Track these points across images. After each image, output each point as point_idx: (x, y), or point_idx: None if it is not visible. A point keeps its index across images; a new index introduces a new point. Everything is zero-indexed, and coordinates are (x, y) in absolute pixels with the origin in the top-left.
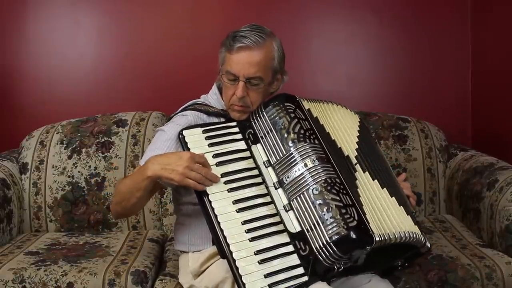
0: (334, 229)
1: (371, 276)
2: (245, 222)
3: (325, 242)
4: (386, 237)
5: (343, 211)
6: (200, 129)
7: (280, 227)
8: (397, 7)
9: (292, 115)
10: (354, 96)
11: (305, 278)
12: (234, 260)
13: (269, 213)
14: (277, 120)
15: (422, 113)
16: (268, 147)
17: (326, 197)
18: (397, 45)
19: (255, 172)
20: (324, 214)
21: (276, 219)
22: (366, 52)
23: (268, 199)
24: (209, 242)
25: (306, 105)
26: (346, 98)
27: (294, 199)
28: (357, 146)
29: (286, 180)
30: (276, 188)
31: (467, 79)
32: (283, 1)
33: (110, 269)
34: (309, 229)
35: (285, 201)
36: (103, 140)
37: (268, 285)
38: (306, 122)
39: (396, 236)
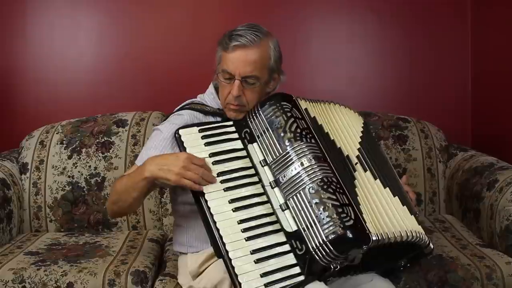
0: (331, 228)
1: (373, 275)
2: (241, 221)
3: (321, 241)
4: (383, 237)
5: (340, 210)
6: (196, 128)
7: (277, 226)
8: (397, 7)
9: (289, 114)
10: (354, 96)
11: (302, 278)
12: (230, 260)
13: (265, 212)
14: (273, 119)
15: (422, 113)
16: (265, 146)
17: (322, 196)
18: (397, 45)
19: (252, 171)
20: (321, 213)
21: (272, 218)
22: (366, 52)
23: (264, 198)
24: (207, 243)
25: (303, 104)
26: (346, 98)
27: (291, 198)
28: (359, 146)
29: (283, 179)
30: (272, 187)
31: (467, 79)
32: (283, 1)
33: (110, 269)
34: (305, 228)
35: (282, 200)
36: (103, 140)
37: (264, 284)
38: (303, 121)
39: (396, 236)
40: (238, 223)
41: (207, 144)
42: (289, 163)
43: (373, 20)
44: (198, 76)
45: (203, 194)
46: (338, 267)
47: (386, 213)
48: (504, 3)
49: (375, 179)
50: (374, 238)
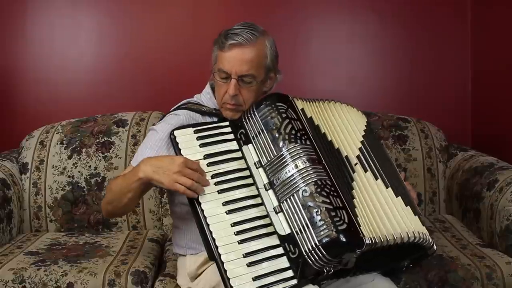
0: (323, 232)
1: (375, 275)
2: (235, 224)
3: (314, 245)
4: (377, 240)
5: (333, 214)
6: (191, 129)
7: (270, 229)
8: (398, 7)
9: (284, 115)
10: (354, 96)
11: (294, 281)
12: (222, 263)
13: (259, 215)
14: (268, 120)
15: (422, 113)
16: (259, 147)
17: (316, 199)
18: (397, 45)
19: (246, 173)
20: (314, 217)
21: (266, 221)
22: (366, 52)
23: (258, 200)
24: None
25: (300, 104)
26: (346, 98)
27: (284, 201)
28: (361, 146)
29: (277, 182)
30: (266, 190)
31: (467, 79)
32: (283, 1)
33: (110, 269)
34: (298, 231)
35: (275, 203)
36: (103, 140)
37: None
38: (298, 123)
39: (395, 238)
40: (231, 226)
41: (202, 145)
42: (283, 165)
43: (373, 20)
44: (198, 76)
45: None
46: (332, 270)
47: (386, 215)
48: (504, 3)
49: (376, 179)
50: (367, 241)
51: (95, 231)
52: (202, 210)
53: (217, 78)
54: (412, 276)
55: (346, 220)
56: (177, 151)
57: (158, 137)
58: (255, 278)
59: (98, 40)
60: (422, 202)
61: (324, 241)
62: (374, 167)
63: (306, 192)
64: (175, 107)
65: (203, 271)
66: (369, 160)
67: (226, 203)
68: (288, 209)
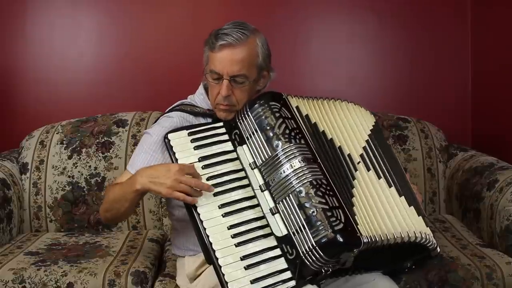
0: (320, 232)
1: (376, 275)
2: (231, 226)
3: (311, 246)
4: (376, 239)
5: (329, 213)
6: (185, 132)
7: (267, 230)
8: (397, 7)
9: (277, 114)
10: (354, 96)
11: (293, 283)
12: (220, 267)
13: (255, 217)
14: (262, 119)
15: (422, 113)
16: (254, 148)
17: (311, 199)
18: (397, 45)
19: (242, 174)
20: (310, 217)
21: (263, 222)
22: (366, 52)
23: (254, 201)
24: None
25: (295, 102)
26: (346, 98)
27: (280, 202)
28: (365, 145)
29: (272, 182)
30: (262, 191)
31: (467, 79)
32: (283, 1)
33: (110, 269)
34: (295, 232)
35: (271, 204)
36: (103, 140)
37: None
38: (292, 121)
39: (396, 237)
40: (228, 229)
41: (196, 147)
42: (278, 166)
43: (373, 20)
44: (198, 76)
45: None
46: (330, 270)
47: (387, 214)
48: (504, 3)
49: (379, 178)
50: (365, 240)
51: (95, 231)
52: (198, 214)
53: (209, 79)
54: (412, 276)
55: (343, 220)
56: (172, 154)
57: (152, 141)
58: (253, 281)
59: (98, 40)
60: (422, 202)
61: (321, 241)
62: (378, 166)
63: (301, 193)
64: (168, 109)
65: (202, 272)
66: (373, 159)
67: (222, 205)
68: (285, 210)
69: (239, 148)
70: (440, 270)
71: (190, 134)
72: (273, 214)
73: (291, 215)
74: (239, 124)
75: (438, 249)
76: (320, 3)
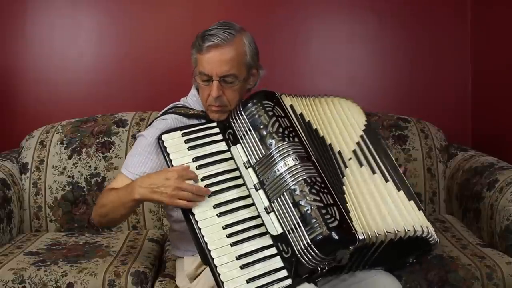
0: (315, 230)
1: (377, 271)
2: (226, 226)
3: (306, 244)
4: (371, 235)
5: (324, 211)
6: (179, 132)
7: (262, 229)
8: (397, 7)
9: (271, 113)
10: (354, 96)
11: (289, 281)
12: (215, 267)
13: (250, 216)
14: (255, 119)
15: (422, 113)
16: (248, 147)
17: (306, 197)
18: (397, 45)
19: (236, 173)
20: (304, 215)
21: (258, 221)
22: (366, 52)
23: (249, 201)
24: None
25: (288, 101)
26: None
27: (275, 200)
28: (359, 140)
29: (267, 181)
30: (256, 190)
31: (467, 79)
32: (283, 1)
33: (110, 269)
34: (290, 230)
35: (266, 203)
36: (103, 140)
37: None
38: (286, 120)
39: (394, 232)
40: (223, 229)
41: (190, 148)
42: (272, 164)
43: (373, 20)
44: None
45: None
46: (326, 268)
47: (388, 209)
48: (504, 3)
49: (374, 173)
50: (361, 237)
51: (95, 231)
52: (193, 214)
53: (199, 82)
54: (413, 276)
55: (338, 217)
56: (166, 155)
57: (146, 143)
58: (249, 280)
59: (98, 40)
60: (422, 202)
61: (316, 239)
62: (373, 161)
63: (295, 191)
64: (162, 112)
65: (202, 271)
66: (368, 154)
67: (216, 205)
68: (279, 209)
69: (233, 148)
70: (440, 270)
71: (184, 134)
72: (268, 212)
73: (286, 214)
74: (232, 123)
75: (438, 240)
76: (320, 3)
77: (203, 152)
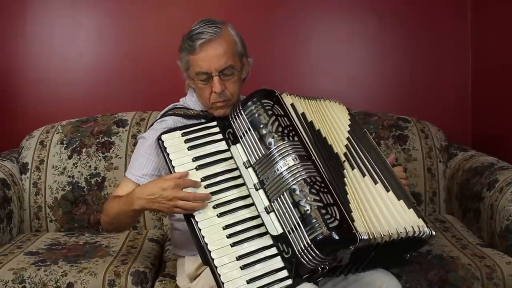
0: (315, 230)
1: (375, 270)
2: (227, 226)
3: (306, 245)
4: (373, 236)
5: (323, 211)
6: (179, 132)
7: (262, 229)
8: (397, 7)
9: (270, 112)
10: (354, 96)
11: (289, 281)
12: (216, 267)
13: (250, 216)
14: (255, 118)
15: (422, 113)
16: (248, 147)
17: (306, 197)
18: (397, 45)
19: (236, 173)
20: (304, 215)
21: (258, 221)
22: (366, 52)
23: (249, 201)
24: None
25: (289, 100)
26: (346, 98)
27: (275, 200)
28: (347, 142)
29: (266, 181)
30: (257, 189)
31: (467, 79)
32: (283, 1)
33: (110, 269)
34: (290, 231)
35: (266, 203)
36: (103, 140)
37: None
38: (285, 119)
39: (391, 233)
40: (223, 229)
41: (190, 148)
42: (272, 164)
43: (373, 20)
44: None
45: None
46: (327, 268)
47: (380, 211)
48: (504, 3)
49: (363, 176)
50: (364, 237)
51: (95, 231)
52: (193, 215)
53: (197, 83)
54: (413, 276)
55: (338, 217)
56: (166, 155)
57: (147, 144)
58: (250, 281)
59: (97, 40)
60: (422, 202)
61: (316, 239)
62: (361, 164)
63: (295, 190)
64: (161, 113)
65: (202, 271)
66: (356, 156)
67: (216, 206)
68: (279, 208)
69: (232, 147)
70: (440, 270)
71: (183, 134)
72: (268, 212)
73: (286, 214)
74: (232, 123)
75: (433, 233)
76: (320, 3)
77: (203, 152)
